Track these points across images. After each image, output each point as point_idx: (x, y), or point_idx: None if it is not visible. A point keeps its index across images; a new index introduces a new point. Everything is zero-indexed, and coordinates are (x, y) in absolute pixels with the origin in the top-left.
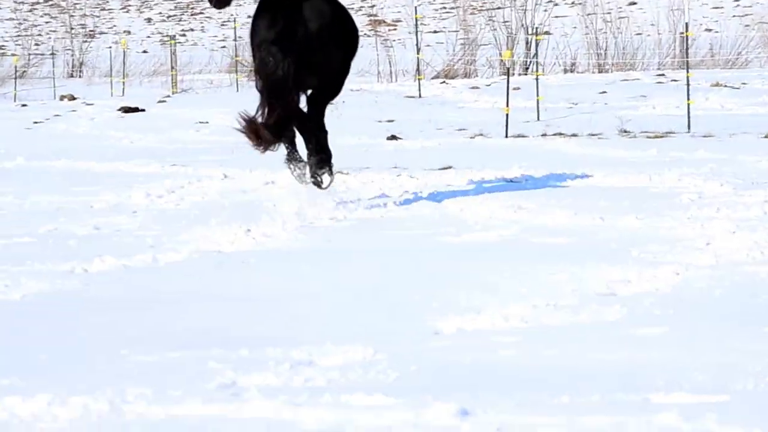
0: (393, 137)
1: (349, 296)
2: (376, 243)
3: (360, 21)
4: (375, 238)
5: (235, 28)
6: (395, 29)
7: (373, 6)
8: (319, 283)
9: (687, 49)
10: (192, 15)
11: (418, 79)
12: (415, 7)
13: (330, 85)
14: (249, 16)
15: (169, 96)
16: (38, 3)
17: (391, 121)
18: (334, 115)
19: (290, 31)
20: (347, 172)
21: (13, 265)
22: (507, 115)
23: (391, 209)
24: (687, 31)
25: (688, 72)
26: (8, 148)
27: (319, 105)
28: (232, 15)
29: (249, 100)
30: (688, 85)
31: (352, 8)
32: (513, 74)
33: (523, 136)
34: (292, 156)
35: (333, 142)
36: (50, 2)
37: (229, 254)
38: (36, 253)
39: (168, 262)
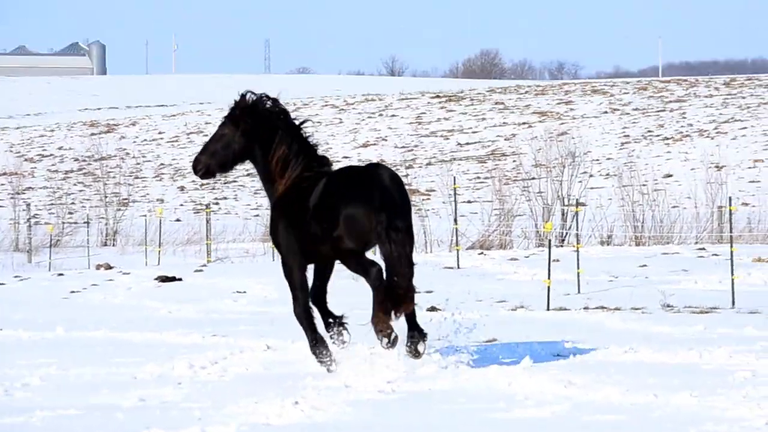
0: (433, 308)
1: None
2: (426, 418)
3: None
4: (424, 413)
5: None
6: (429, 198)
7: (406, 175)
8: None
9: (731, 224)
10: (225, 183)
11: (456, 250)
12: (454, 177)
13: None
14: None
15: (205, 265)
16: (72, 171)
17: (430, 292)
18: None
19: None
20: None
21: None
22: (548, 287)
23: (438, 382)
24: (730, 205)
25: (732, 247)
26: (47, 318)
27: None
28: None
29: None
30: (731, 260)
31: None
32: (551, 246)
33: (565, 309)
34: (337, 330)
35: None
36: (84, 171)
37: (278, 427)
38: (84, 425)
39: None
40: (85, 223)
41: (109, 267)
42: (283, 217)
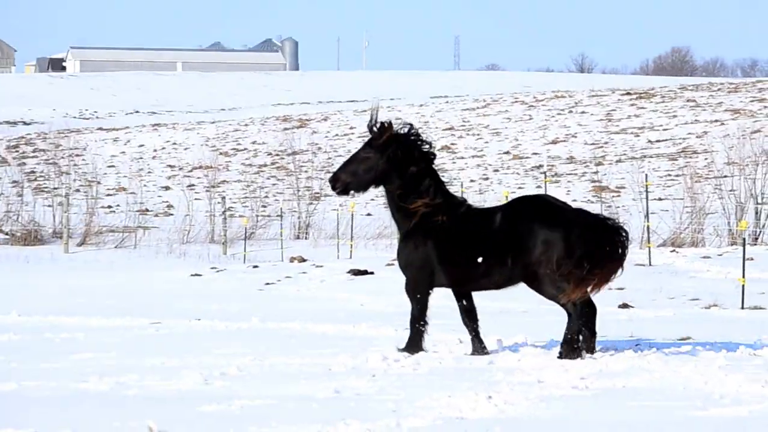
0: (625, 305)
1: None
2: (620, 415)
3: (583, 187)
4: (618, 410)
5: (461, 191)
6: (619, 195)
7: (596, 172)
8: None
9: None
10: None
11: (648, 247)
12: (645, 174)
13: None
14: (472, 180)
15: (395, 259)
16: (265, 165)
17: (621, 288)
18: None
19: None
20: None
21: (259, 427)
22: (743, 286)
23: (632, 379)
24: None
25: None
26: (242, 309)
27: None
28: (454, 179)
29: None
30: None
31: (575, 174)
32: (745, 244)
33: (761, 308)
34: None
35: (561, 311)
36: (277, 165)
37: (473, 421)
38: (280, 415)
39: (411, 428)
40: (278, 216)
41: (302, 260)
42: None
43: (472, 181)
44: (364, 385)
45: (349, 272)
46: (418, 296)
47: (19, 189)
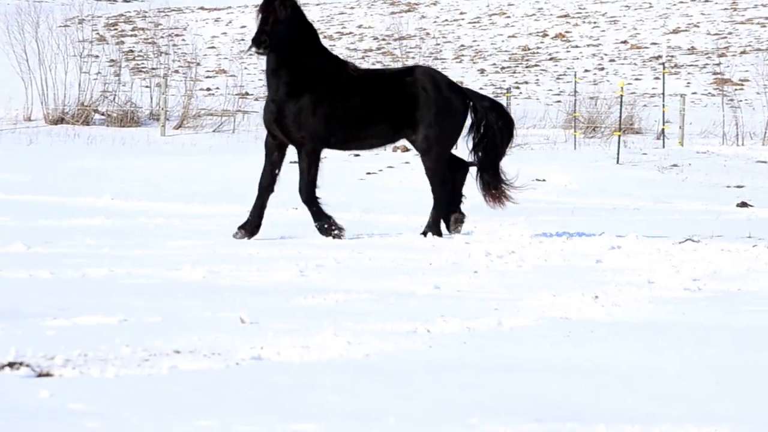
0: (744, 204)
1: (710, 377)
2: (735, 319)
3: (704, 79)
4: (734, 313)
5: (575, 82)
6: (742, 89)
7: (718, 64)
8: (676, 360)
9: None
10: (526, 67)
11: None
12: None
13: None
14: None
15: None
16: (371, 50)
17: (741, 186)
18: (678, 179)
19: None
20: (698, 240)
21: (356, 322)
22: None
23: (749, 282)
24: None
25: None
26: (342, 200)
27: None
28: (568, 68)
29: (586, 158)
30: None
31: (696, 65)
32: None
33: None
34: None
35: (679, 207)
36: (383, 50)
37: (577, 322)
38: (377, 310)
39: (513, 327)
40: None
41: (405, 149)
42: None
43: (586, 71)
44: (465, 281)
45: None
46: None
47: (116, 68)
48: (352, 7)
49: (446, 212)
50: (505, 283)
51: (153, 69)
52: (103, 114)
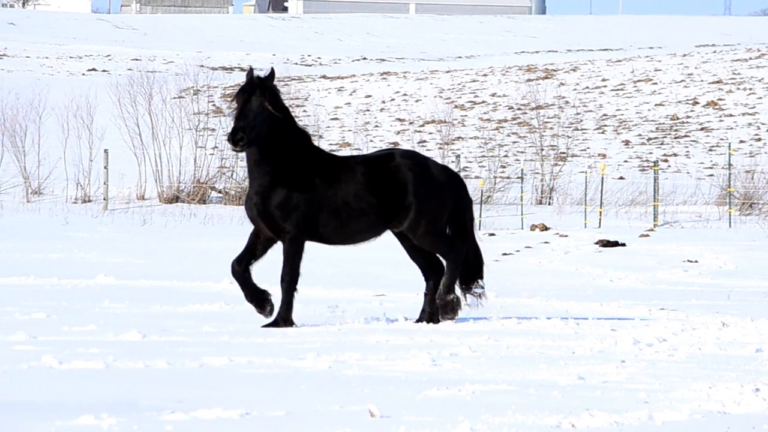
0: None
1: None
2: None
3: None
4: None
5: (729, 154)
6: None
7: None
8: None
9: None
10: (675, 138)
11: None
12: None
13: None
14: (741, 141)
15: (651, 230)
16: (505, 121)
17: None
18: None
19: None
20: None
21: (493, 415)
22: None
23: None
24: None
25: None
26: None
27: None
28: (722, 139)
29: (742, 237)
30: None
31: None
32: None
33: None
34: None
35: None
36: (518, 120)
37: (736, 417)
38: (517, 402)
39: (665, 421)
40: (518, 178)
41: (544, 228)
42: None
43: (741, 141)
44: (611, 371)
45: (597, 243)
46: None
47: None
48: (485, 75)
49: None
50: (655, 374)
51: None
52: (220, 191)
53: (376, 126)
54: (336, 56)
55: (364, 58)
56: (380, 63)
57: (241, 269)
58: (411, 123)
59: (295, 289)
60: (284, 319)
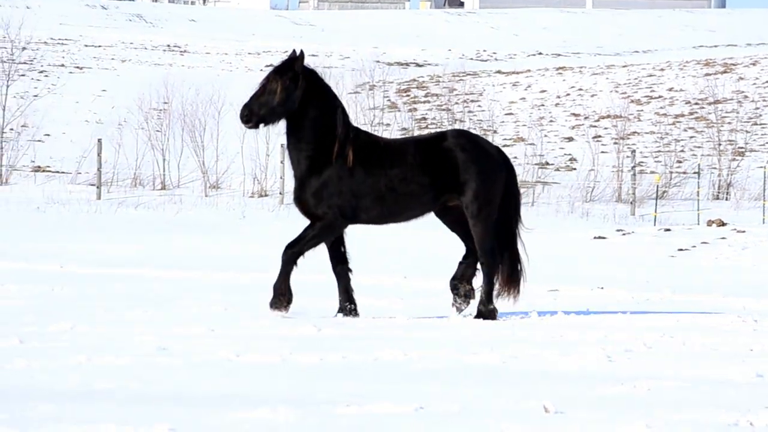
0: None
1: None
2: None
3: None
4: None
5: None
6: None
7: None
8: None
9: None
10: None
11: None
12: None
13: None
14: None
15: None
16: (682, 115)
17: None
18: None
19: None
20: None
21: (669, 412)
22: None
23: None
24: None
25: None
26: (651, 278)
27: None
28: None
29: None
30: None
31: None
32: None
33: None
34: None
35: None
36: (695, 115)
37: None
38: (692, 399)
39: None
40: (695, 173)
41: (721, 223)
42: None
43: None
44: None
45: None
46: (326, 234)
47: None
48: (662, 69)
49: (454, 280)
50: None
51: None
52: None
53: (551, 121)
54: (511, 51)
55: (540, 53)
56: (556, 58)
57: (338, 267)
58: (586, 118)
59: (295, 264)
60: (275, 288)
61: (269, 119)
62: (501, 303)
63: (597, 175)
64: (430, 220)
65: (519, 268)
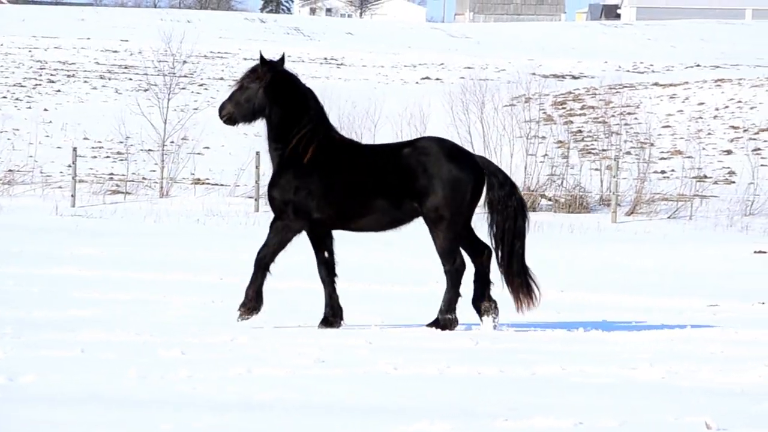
0: None
1: None
2: None
3: None
4: None
5: None
6: None
7: None
8: None
9: None
10: None
11: None
12: None
13: None
14: None
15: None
16: None
17: None
18: None
19: None
20: None
21: None
22: None
23: None
24: None
25: None
26: None
27: None
28: None
29: None
30: None
31: None
32: None
33: None
34: None
35: None
36: None
37: None
38: None
39: None
40: None
41: None
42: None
43: None
44: None
45: None
46: (285, 234)
47: (564, 150)
48: None
49: (476, 301)
50: None
51: (603, 150)
52: (549, 199)
53: (709, 134)
54: (669, 63)
55: (698, 65)
56: (714, 70)
57: (325, 275)
58: (745, 130)
59: (266, 270)
60: (246, 299)
61: (239, 117)
62: (514, 314)
63: (757, 189)
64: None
65: (528, 279)
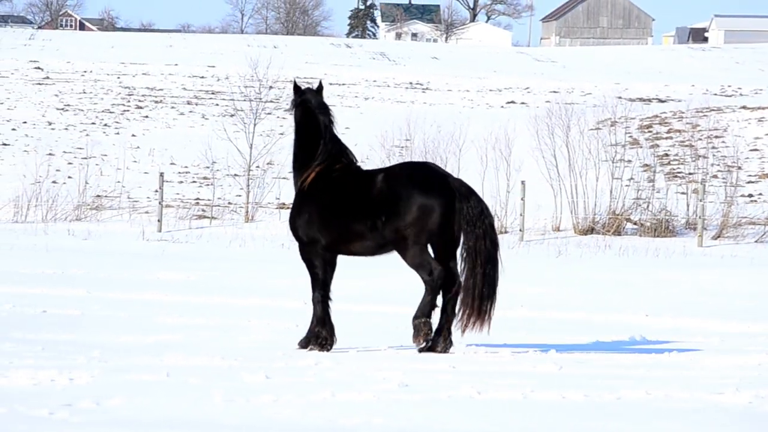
0: None
1: None
2: None
3: None
4: None
5: None
6: None
7: None
8: None
9: None
10: None
11: None
12: None
13: None
14: None
15: None
16: None
17: None
18: None
19: None
20: None
21: None
22: None
23: None
24: None
25: None
26: None
27: None
28: None
29: None
30: None
31: None
32: None
33: None
34: None
35: None
36: None
37: None
38: None
39: None
40: None
41: None
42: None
43: None
44: None
45: None
46: (311, 262)
47: (650, 174)
48: None
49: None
50: None
51: (690, 174)
52: (635, 223)
53: None
54: (757, 86)
55: None
56: None
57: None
58: None
59: (322, 302)
60: (311, 333)
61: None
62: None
63: None
64: None
65: (489, 305)
